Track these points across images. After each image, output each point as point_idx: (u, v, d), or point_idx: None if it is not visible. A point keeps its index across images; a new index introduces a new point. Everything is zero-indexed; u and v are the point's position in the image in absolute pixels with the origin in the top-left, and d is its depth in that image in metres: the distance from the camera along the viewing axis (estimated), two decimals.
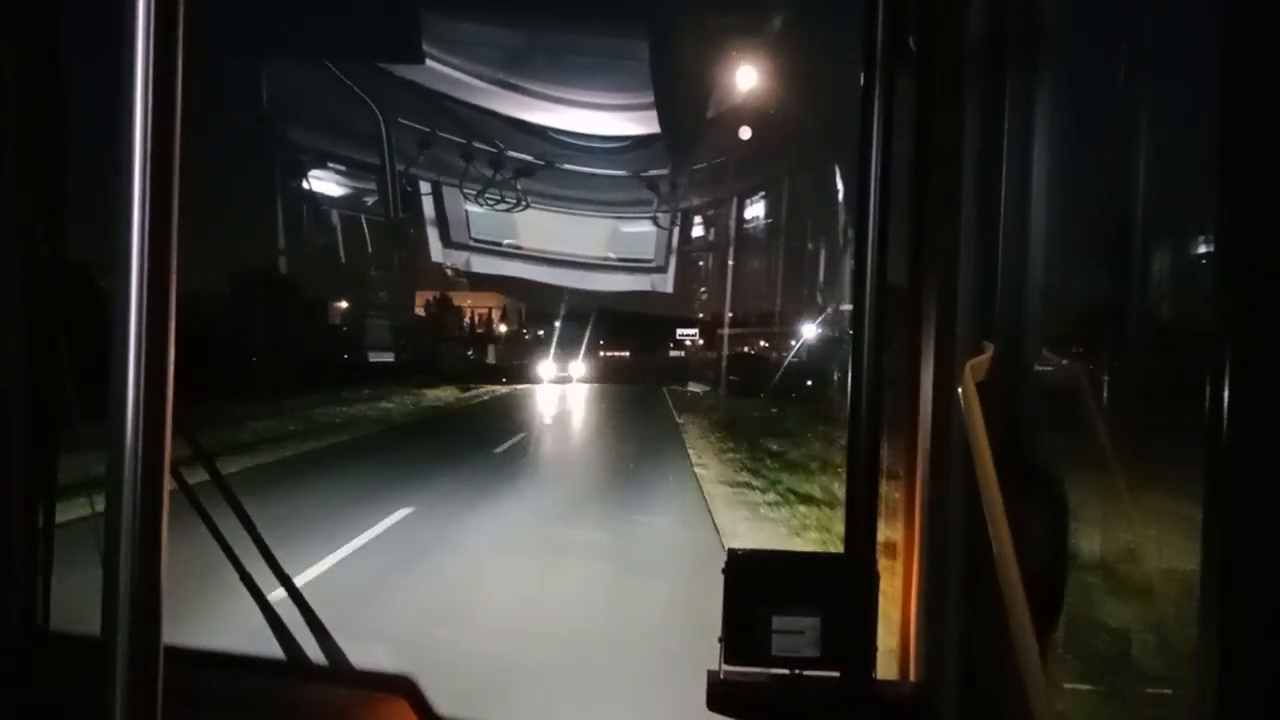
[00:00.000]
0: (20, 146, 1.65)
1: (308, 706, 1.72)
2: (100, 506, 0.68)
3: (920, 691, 1.40)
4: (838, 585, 1.33)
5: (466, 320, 76.12)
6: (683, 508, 11.63)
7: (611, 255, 53.65)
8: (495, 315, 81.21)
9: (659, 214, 50.55)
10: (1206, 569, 0.79)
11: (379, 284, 55.95)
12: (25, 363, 1.68)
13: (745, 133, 27.85)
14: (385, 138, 43.66)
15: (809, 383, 30.20)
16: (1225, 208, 0.79)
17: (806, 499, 12.01)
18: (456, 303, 72.23)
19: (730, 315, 39.28)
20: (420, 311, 66.32)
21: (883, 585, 1.28)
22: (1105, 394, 1.48)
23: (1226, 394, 0.77)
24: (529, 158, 45.97)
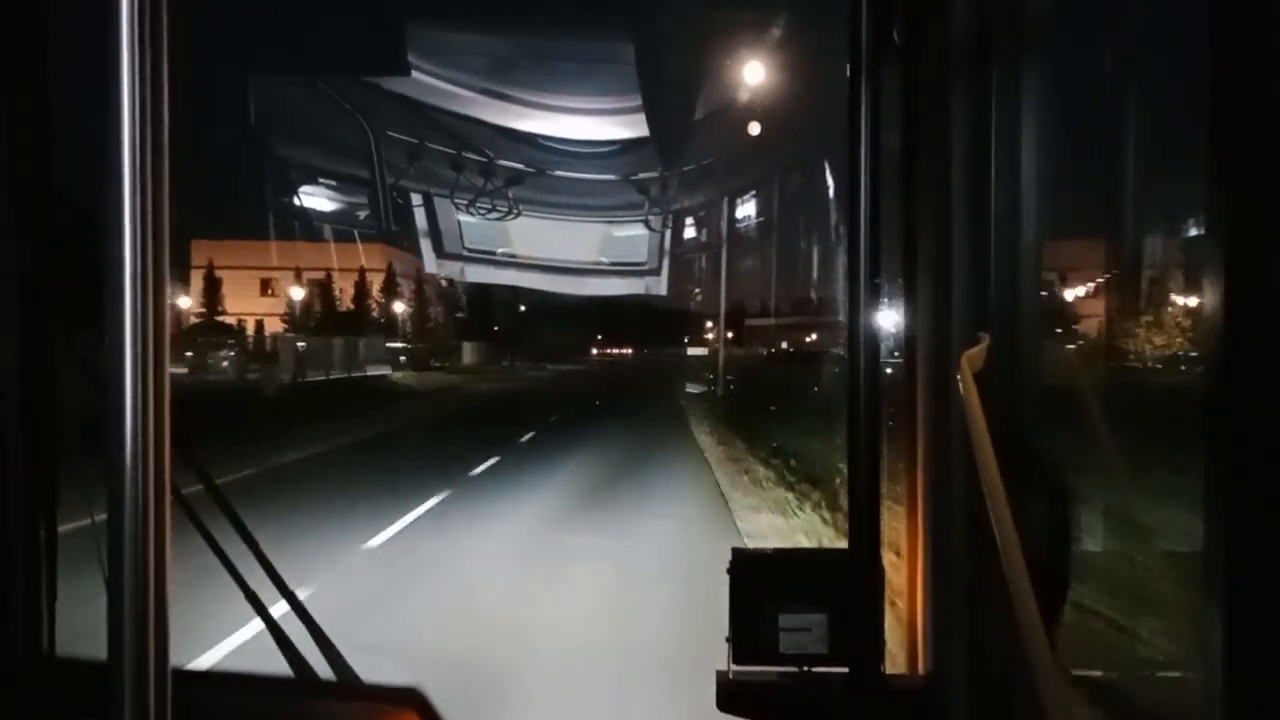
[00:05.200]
0: (10, 162, 1.65)
1: None
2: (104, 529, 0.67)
3: (929, 684, 1.40)
4: (843, 581, 1.33)
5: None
6: None
7: (605, 260, 53.47)
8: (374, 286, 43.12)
9: (650, 217, 50.39)
10: (1209, 552, 0.79)
11: None
12: (21, 380, 1.67)
13: (754, 129, 27.31)
14: (374, 151, 43.57)
15: None
16: (1213, 195, 0.79)
17: None
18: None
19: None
20: None
21: (888, 579, 1.28)
22: (1101, 380, 1.48)
23: (1222, 378, 0.77)
24: (519, 165, 45.80)
